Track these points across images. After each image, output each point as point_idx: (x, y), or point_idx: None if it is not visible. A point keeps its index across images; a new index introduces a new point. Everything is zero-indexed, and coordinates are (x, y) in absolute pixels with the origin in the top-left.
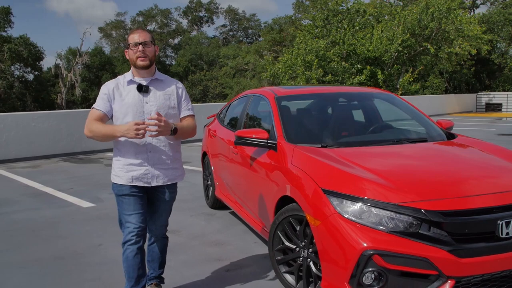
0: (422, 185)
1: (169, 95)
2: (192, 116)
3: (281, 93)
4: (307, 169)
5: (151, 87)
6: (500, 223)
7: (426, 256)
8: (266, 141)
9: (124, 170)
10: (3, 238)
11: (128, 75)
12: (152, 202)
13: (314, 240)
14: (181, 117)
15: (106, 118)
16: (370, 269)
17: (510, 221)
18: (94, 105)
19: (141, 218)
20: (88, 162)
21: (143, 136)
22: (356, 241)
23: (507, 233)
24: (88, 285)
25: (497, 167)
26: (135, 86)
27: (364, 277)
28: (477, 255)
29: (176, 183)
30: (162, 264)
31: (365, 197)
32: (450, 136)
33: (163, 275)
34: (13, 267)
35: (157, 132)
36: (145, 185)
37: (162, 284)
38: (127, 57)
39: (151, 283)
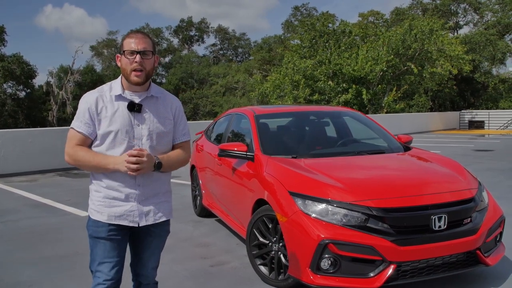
0: (370, 187)
1: (165, 117)
2: (188, 142)
3: (260, 111)
4: (278, 175)
5: (145, 107)
6: (433, 218)
7: (371, 244)
8: (245, 153)
9: (105, 205)
10: (11, 240)
11: (116, 87)
12: (141, 240)
13: (283, 235)
14: (175, 143)
15: (89, 141)
16: (326, 255)
17: (441, 216)
18: (73, 124)
19: (116, 268)
20: (83, 177)
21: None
22: (314, 233)
23: (439, 226)
24: (90, 278)
25: (436, 173)
26: (125, 103)
27: (322, 262)
28: (414, 244)
29: (169, 219)
30: None
31: (324, 198)
32: (407, 149)
33: None
34: (23, 264)
35: (136, 170)
36: (131, 224)
37: None
38: (119, 65)
39: None
